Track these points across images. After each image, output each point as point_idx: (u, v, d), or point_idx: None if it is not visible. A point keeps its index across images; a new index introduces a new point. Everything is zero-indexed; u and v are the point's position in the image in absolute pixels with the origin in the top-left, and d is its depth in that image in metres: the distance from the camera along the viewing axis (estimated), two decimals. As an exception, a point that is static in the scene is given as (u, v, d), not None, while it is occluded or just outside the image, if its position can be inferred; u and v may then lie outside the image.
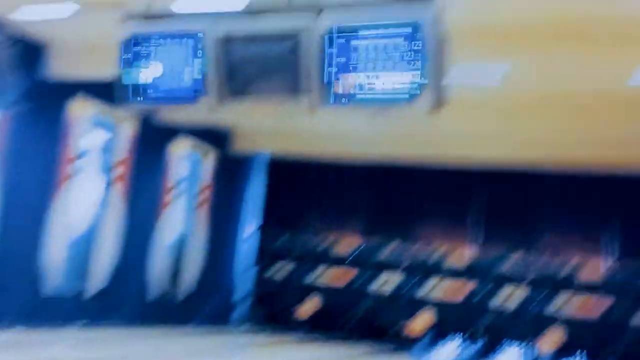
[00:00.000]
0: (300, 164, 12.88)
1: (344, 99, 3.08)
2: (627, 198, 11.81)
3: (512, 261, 12.18)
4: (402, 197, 13.08)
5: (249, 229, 13.66)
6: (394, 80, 3.00)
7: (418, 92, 2.96)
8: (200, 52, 3.21)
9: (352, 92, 3.06)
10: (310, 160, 12.66)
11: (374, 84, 3.03)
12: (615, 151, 10.54)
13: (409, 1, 2.96)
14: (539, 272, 12.04)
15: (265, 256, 13.43)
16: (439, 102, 3.04)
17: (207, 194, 12.02)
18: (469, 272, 12.28)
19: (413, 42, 2.95)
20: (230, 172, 12.62)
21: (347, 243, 13.13)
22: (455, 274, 12.29)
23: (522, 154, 11.01)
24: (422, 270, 12.54)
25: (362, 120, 9.54)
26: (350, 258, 12.98)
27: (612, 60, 7.40)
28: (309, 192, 13.58)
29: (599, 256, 11.88)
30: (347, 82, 3.05)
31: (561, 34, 7.30)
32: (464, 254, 12.46)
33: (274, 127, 11.23)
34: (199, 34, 3.19)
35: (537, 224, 12.35)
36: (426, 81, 2.95)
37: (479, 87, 8.64)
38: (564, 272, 11.93)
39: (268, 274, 13.30)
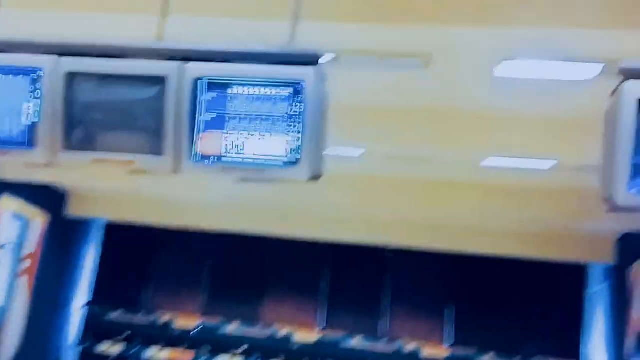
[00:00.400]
0: (140, 232, 12.18)
1: (208, 160, 2.65)
2: (469, 283, 12.19)
3: (355, 344, 12.06)
4: (246, 273, 12.70)
5: (79, 301, 12.64)
6: (270, 143, 2.63)
7: (296, 158, 2.60)
8: (39, 92, 2.67)
9: (219, 152, 2.65)
10: (151, 229, 11.98)
11: (246, 145, 2.64)
12: (467, 233, 10.87)
13: (292, 60, 2.63)
14: (379, 356, 12.00)
15: (96, 332, 12.42)
16: (316, 173, 2.70)
17: (33, 260, 10.95)
18: (311, 353, 12.01)
19: (293, 104, 2.61)
20: (62, 238, 11.66)
21: (186, 321, 12.46)
22: (300, 354, 11.97)
23: (374, 235, 11.07)
24: (265, 351, 12.11)
25: (221, 187, 9.16)
26: (189, 337, 12.32)
27: (465, 144, 7.62)
28: (148, 264, 12.85)
29: (439, 340, 12.03)
30: (215, 141, 2.64)
31: (418, 120, 7.43)
32: (308, 334, 12.17)
33: (117, 190, 10.52)
34: (38, 70, 2.66)
35: (381, 306, 12.39)
36: (305, 148, 2.61)
37: (336, 167, 8.60)
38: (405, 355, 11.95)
39: (97, 352, 12.30)
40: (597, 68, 6.04)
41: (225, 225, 11.39)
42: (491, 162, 8.36)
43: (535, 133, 7.47)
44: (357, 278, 12.41)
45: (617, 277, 10.69)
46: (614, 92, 2.61)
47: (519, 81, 6.59)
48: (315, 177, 2.71)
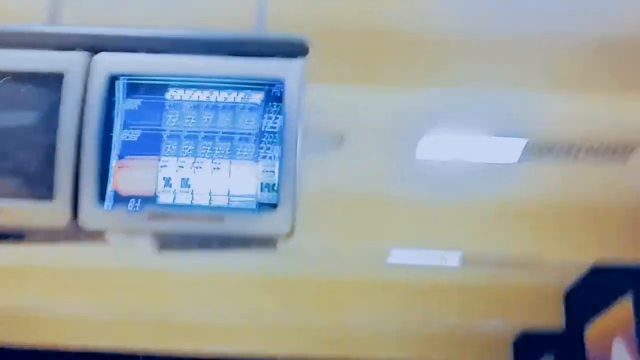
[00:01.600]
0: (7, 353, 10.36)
1: (131, 202, 1.64)
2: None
3: None
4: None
5: None
6: (231, 177, 1.67)
7: (273, 200, 1.66)
8: None
9: (151, 191, 1.64)
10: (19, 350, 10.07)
11: (193, 180, 1.66)
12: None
13: (264, 50, 1.72)
14: None
15: None
16: (294, 223, 1.77)
17: None
18: None
19: (267, 116, 1.69)
20: None
21: None
22: None
23: (264, 345, 10.04)
24: None
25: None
26: None
27: (369, 242, 7.04)
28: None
29: None
30: (144, 172, 1.64)
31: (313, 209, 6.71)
32: None
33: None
34: None
35: None
36: (284, 183, 1.68)
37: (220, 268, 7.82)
38: None
39: None
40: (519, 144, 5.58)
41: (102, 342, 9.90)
42: (395, 257, 7.76)
43: (444, 224, 7.00)
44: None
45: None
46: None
47: (434, 164, 6.09)
48: (292, 231, 1.78)
